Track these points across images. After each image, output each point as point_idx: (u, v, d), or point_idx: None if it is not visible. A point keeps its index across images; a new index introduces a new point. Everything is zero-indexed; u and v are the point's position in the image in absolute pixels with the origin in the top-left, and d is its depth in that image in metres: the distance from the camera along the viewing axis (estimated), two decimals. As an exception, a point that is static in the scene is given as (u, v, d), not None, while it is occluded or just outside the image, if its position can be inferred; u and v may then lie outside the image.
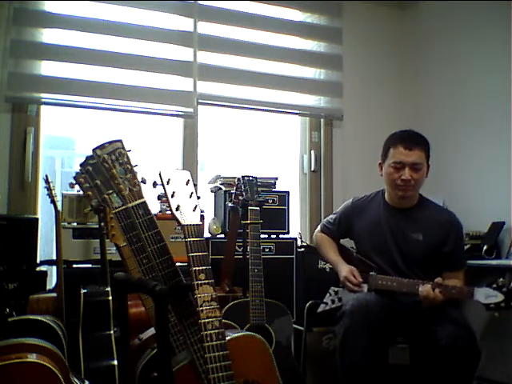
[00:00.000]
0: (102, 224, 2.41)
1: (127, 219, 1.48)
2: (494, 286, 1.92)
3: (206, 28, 3.27)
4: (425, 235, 2.18)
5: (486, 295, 1.91)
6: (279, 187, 3.07)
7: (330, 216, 2.50)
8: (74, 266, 2.59)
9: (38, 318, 1.97)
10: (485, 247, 2.86)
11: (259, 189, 2.44)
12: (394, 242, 2.21)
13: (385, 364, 2.09)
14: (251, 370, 1.51)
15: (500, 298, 1.89)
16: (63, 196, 2.62)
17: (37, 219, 2.58)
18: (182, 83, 3.19)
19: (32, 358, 1.37)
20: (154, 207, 2.76)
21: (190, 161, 3.26)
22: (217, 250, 2.73)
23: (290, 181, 3.57)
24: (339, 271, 2.25)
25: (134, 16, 3.09)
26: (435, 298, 1.97)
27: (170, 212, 1.42)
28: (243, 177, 2.42)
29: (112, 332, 2.21)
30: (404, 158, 2.12)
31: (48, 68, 2.91)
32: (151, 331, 1.82)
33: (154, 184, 1.45)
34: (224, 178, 2.95)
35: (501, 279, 1.93)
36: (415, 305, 2.07)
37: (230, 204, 2.57)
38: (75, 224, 2.63)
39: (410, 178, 2.12)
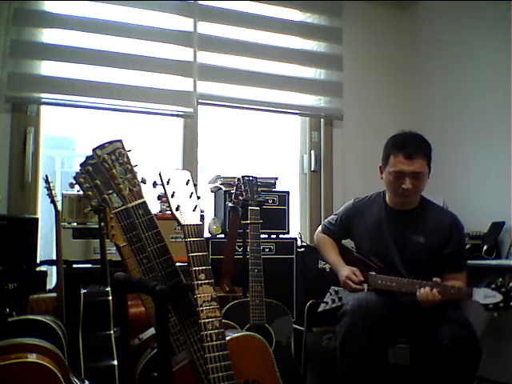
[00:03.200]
0: (102, 224, 2.41)
1: (127, 219, 1.48)
2: (493, 286, 1.92)
3: (206, 28, 3.27)
4: (426, 237, 2.17)
5: (484, 295, 1.91)
6: (279, 187, 3.07)
7: (331, 216, 2.50)
8: (74, 266, 2.58)
9: (38, 318, 1.96)
10: (485, 247, 2.86)
11: (259, 189, 2.44)
12: (395, 245, 2.21)
13: (385, 364, 2.09)
14: (251, 370, 1.51)
15: (499, 298, 1.89)
16: (63, 196, 2.62)
17: (37, 219, 2.58)
18: (182, 83, 3.19)
19: (32, 358, 1.37)
20: (154, 207, 2.76)
21: (190, 161, 3.26)
22: (217, 250, 2.73)
23: (290, 181, 3.57)
24: (339, 273, 2.26)
25: (134, 16, 3.09)
26: (434, 299, 1.97)
27: (169, 212, 1.42)
28: (243, 177, 2.42)
29: (112, 332, 2.21)
30: (404, 168, 2.08)
31: (48, 68, 2.91)
32: (151, 331, 1.82)
33: (154, 184, 1.45)
34: (224, 177, 2.95)
35: (500, 279, 1.93)
36: (415, 304, 2.07)
37: (230, 204, 2.56)
38: (75, 224, 2.63)
39: (411, 187, 2.10)
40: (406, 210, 2.22)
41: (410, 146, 2.10)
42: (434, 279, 2.01)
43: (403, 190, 2.12)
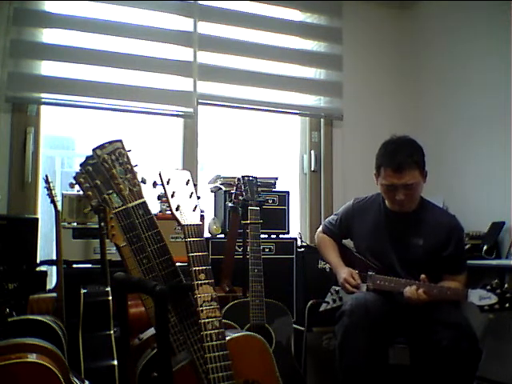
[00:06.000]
0: (102, 224, 2.41)
1: (127, 219, 1.48)
2: (488, 287, 1.90)
3: (206, 28, 3.27)
4: (425, 239, 2.16)
5: (479, 297, 1.90)
6: (279, 187, 3.07)
7: (332, 216, 2.50)
8: (74, 266, 2.58)
9: (38, 318, 1.96)
10: (485, 247, 2.86)
11: (259, 189, 2.44)
12: (393, 247, 2.21)
13: (385, 364, 2.09)
14: (251, 370, 1.51)
15: (494, 299, 1.87)
16: (63, 196, 2.62)
17: (37, 219, 2.58)
18: (182, 83, 3.19)
19: (32, 358, 1.37)
20: (154, 207, 2.76)
21: (190, 161, 3.26)
22: (217, 250, 2.73)
23: (290, 181, 3.57)
24: (338, 273, 2.26)
25: (134, 16, 3.09)
26: (418, 298, 1.97)
27: (170, 212, 1.42)
28: (243, 177, 2.43)
29: (112, 332, 2.21)
30: (395, 181, 2.07)
31: (48, 68, 2.91)
32: (151, 331, 1.82)
33: (154, 184, 1.45)
34: (224, 178, 2.95)
35: (495, 281, 1.91)
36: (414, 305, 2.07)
37: (229, 204, 2.57)
38: (75, 224, 2.63)
39: (404, 198, 2.10)
40: (405, 212, 2.21)
41: (399, 158, 2.06)
42: (421, 277, 2.00)
43: (397, 201, 2.12)
